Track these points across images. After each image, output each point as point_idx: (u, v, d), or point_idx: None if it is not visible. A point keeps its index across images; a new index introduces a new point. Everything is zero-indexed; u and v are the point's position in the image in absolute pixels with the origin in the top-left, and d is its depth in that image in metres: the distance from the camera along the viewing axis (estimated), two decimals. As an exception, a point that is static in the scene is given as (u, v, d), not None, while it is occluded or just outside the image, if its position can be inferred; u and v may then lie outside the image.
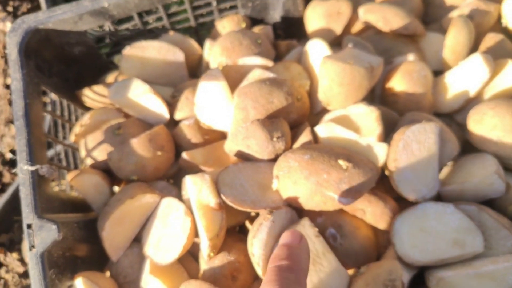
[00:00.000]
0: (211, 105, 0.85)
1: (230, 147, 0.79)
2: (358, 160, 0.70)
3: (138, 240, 0.82)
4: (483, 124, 0.75)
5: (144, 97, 0.91)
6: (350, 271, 0.70)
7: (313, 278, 0.65)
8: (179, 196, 0.83)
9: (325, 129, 0.78)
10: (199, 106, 0.86)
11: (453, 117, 0.86)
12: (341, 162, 0.69)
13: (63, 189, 0.97)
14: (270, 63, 0.89)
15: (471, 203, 0.71)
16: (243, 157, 0.79)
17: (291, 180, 0.70)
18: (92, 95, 1.02)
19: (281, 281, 0.50)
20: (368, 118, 0.77)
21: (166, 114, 0.91)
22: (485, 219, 0.69)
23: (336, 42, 0.98)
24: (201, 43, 1.07)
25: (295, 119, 0.82)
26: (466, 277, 0.64)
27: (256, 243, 0.66)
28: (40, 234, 0.73)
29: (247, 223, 0.84)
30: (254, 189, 0.74)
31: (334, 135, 0.77)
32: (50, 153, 1.04)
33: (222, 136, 0.90)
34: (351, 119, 0.79)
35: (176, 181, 0.94)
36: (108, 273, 0.83)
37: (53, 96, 0.98)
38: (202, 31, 1.12)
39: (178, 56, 0.98)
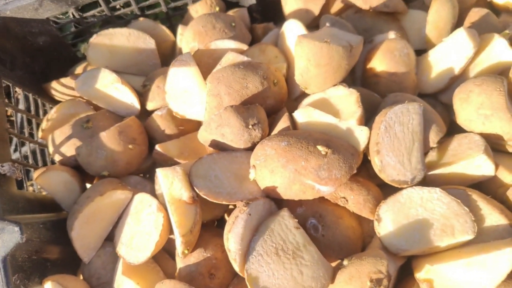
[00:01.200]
0: (183, 93, 0.80)
1: (204, 136, 0.74)
2: (338, 145, 0.66)
3: (111, 239, 0.78)
4: (469, 103, 0.71)
5: (113, 88, 0.86)
6: (334, 264, 0.66)
7: (293, 272, 0.61)
8: (153, 192, 0.79)
9: (304, 114, 0.73)
10: (171, 95, 0.81)
11: (438, 98, 0.82)
12: (320, 148, 0.64)
13: (34, 188, 0.92)
14: (244, 47, 0.84)
15: (459, 187, 0.67)
16: (218, 147, 0.75)
17: (268, 169, 0.66)
18: (60, 88, 0.96)
19: None
20: (348, 101, 0.72)
21: (136, 104, 0.86)
22: (474, 203, 0.65)
23: (314, 24, 0.93)
24: (174, 30, 1.02)
25: (272, 105, 0.78)
26: (456, 266, 0.60)
27: (232, 237, 0.62)
28: (2, 237, 0.67)
29: (226, 217, 0.80)
30: (230, 180, 0.70)
31: (313, 120, 0.72)
32: (23, 150, 0.99)
33: (198, 126, 0.85)
34: (330, 103, 0.75)
35: (150, 176, 0.89)
36: (81, 276, 0.79)
37: (18, 90, 0.93)
38: (175, 17, 1.07)
39: (149, 43, 0.93)
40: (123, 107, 0.88)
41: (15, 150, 1.16)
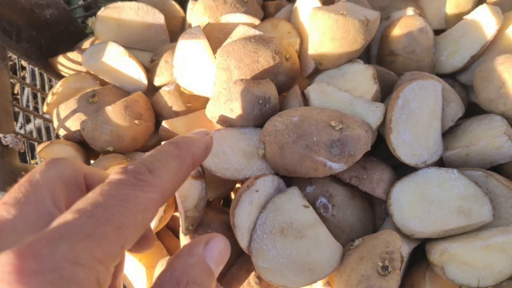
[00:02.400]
0: (191, 67, 0.77)
1: (212, 111, 0.71)
2: (352, 121, 0.63)
3: (114, 215, 0.75)
4: (490, 82, 0.67)
5: (120, 62, 0.83)
6: (344, 245, 0.63)
7: (301, 251, 0.58)
8: (158, 168, 0.76)
9: (317, 90, 0.70)
10: (178, 69, 0.78)
11: (457, 78, 0.79)
12: (333, 123, 0.61)
13: (38, 163, 0.91)
14: (256, 21, 0.81)
15: (477, 169, 0.64)
16: (226, 123, 0.72)
17: (278, 145, 0.63)
18: (67, 63, 0.95)
19: (162, 152, 0.41)
20: (363, 77, 0.69)
21: (144, 79, 0.84)
22: (493, 185, 0.62)
23: (331, 2, 0.90)
24: (184, 6, 0.99)
25: (283, 81, 0.75)
26: (473, 249, 0.57)
27: (239, 213, 0.60)
28: (2, 209, 0.66)
29: (233, 196, 0.77)
30: (238, 157, 0.67)
31: (326, 96, 0.69)
32: (29, 128, 0.98)
33: (207, 103, 0.83)
34: (344, 79, 0.72)
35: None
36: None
37: (24, 63, 0.91)
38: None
39: (158, 18, 0.90)
40: (130, 82, 0.85)
41: (21, 128, 1.14)
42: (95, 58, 0.84)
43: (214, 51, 0.78)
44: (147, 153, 0.43)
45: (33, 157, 0.94)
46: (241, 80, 0.67)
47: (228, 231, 0.67)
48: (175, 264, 0.40)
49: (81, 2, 0.98)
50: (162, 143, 0.46)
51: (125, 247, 0.35)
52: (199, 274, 0.40)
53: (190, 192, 0.64)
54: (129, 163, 0.39)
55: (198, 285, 0.39)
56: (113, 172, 0.38)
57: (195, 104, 0.84)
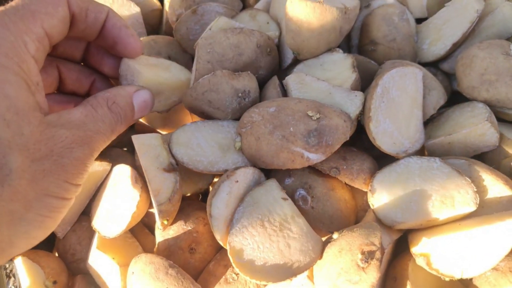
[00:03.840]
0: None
1: (189, 102, 0.68)
2: (330, 111, 0.61)
3: (88, 213, 0.73)
4: (472, 68, 0.66)
5: None
6: (324, 238, 0.61)
7: (280, 245, 0.56)
8: (134, 164, 0.74)
9: (295, 80, 0.68)
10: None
11: (439, 66, 0.77)
12: (310, 113, 0.59)
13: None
14: (233, 12, 0.79)
15: (460, 157, 0.62)
16: (203, 115, 0.69)
17: (254, 136, 0.61)
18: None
19: None
20: (343, 66, 0.67)
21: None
22: (476, 173, 0.60)
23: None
24: (162, 0, 0.96)
25: (264, 75, 0.73)
26: (456, 239, 0.55)
27: (216, 202, 0.57)
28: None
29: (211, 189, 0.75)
30: (214, 149, 0.65)
31: (305, 85, 0.67)
32: None
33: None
34: (324, 68, 0.70)
35: (132, 149, 0.84)
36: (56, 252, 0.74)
37: None
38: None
39: (133, 10, 0.87)
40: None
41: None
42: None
43: (192, 42, 0.76)
44: None
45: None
46: (221, 71, 0.65)
47: (205, 226, 0.65)
48: (110, 90, 0.55)
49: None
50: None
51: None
52: (124, 102, 0.55)
53: (163, 185, 0.62)
54: None
55: (120, 109, 0.54)
56: None
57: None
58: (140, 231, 0.71)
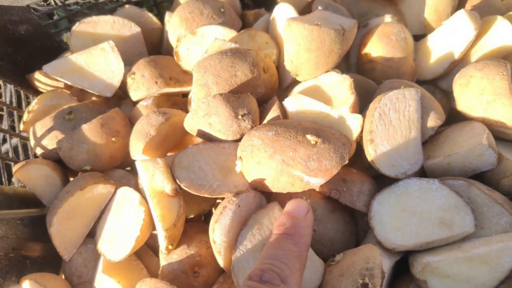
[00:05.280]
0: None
1: (190, 124, 0.69)
2: (329, 134, 0.61)
3: (93, 235, 0.74)
4: (470, 88, 0.66)
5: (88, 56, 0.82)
6: (325, 260, 0.62)
7: (281, 270, 0.57)
8: (138, 186, 0.75)
9: (294, 102, 0.69)
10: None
11: (437, 84, 0.78)
12: (309, 137, 0.60)
13: (15, 183, 0.89)
14: (233, 33, 0.80)
15: (459, 178, 0.63)
16: (205, 137, 0.70)
17: (255, 160, 0.61)
18: (44, 79, 0.93)
19: (285, 251, 0.49)
20: (341, 87, 0.68)
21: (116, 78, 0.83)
22: (475, 194, 0.61)
23: (308, 10, 0.89)
24: (162, 18, 0.97)
25: (263, 93, 0.74)
26: (455, 261, 0.55)
27: (218, 228, 0.58)
28: (-26, 234, 0.64)
29: (214, 211, 0.75)
30: (215, 172, 0.66)
31: (304, 108, 0.68)
32: (5, 148, 0.96)
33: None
34: (322, 90, 0.70)
35: (136, 170, 0.85)
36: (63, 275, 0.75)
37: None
38: (163, 3, 1.03)
39: (134, 31, 0.89)
40: (99, 82, 0.84)
41: None
42: (58, 62, 0.82)
43: (192, 63, 0.76)
44: (267, 248, 0.50)
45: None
46: (220, 94, 0.66)
47: (208, 250, 0.66)
48: None
49: (56, 17, 0.96)
50: (274, 226, 0.53)
51: None
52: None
53: (168, 210, 0.63)
54: (257, 264, 0.48)
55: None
56: (246, 277, 0.46)
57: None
58: (145, 253, 0.72)
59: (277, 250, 0.49)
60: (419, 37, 0.81)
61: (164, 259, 0.65)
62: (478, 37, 0.72)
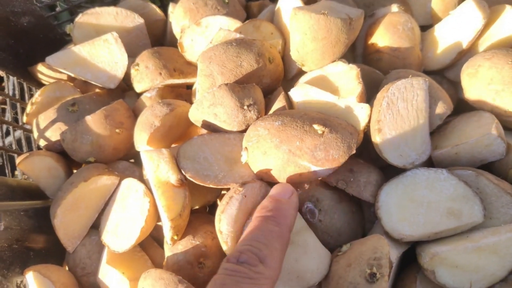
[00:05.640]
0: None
1: (195, 115, 0.69)
2: (336, 124, 0.61)
3: (97, 227, 0.73)
4: (478, 78, 0.66)
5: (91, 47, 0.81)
6: (332, 251, 0.61)
7: (289, 258, 0.56)
8: (142, 177, 0.74)
9: (300, 92, 0.68)
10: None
11: (445, 74, 0.77)
12: (316, 126, 0.59)
13: (18, 175, 0.88)
14: (238, 23, 0.79)
15: (467, 168, 0.62)
16: (210, 127, 0.70)
17: (261, 150, 0.61)
18: (46, 71, 0.92)
19: (265, 232, 0.49)
20: (348, 77, 0.67)
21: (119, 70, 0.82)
22: (484, 184, 0.60)
23: (313, 1, 0.88)
24: (166, 9, 0.97)
25: (268, 83, 0.73)
26: (464, 251, 0.55)
27: (225, 218, 0.57)
28: (-22, 225, 0.64)
29: (219, 202, 0.75)
30: (220, 163, 0.65)
31: (310, 98, 0.67)
32: (8, 140, 0.95)
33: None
34: (329, 80, 0.69)
35: (140, 161, 0.85)
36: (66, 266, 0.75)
37: (1, 73, 0.88)
38: (167, -4, 1.02)
39: (137, 22, 0.88)
40: (103, 74, 0.83)
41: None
42: (61, 54, 0.82)
43: (197, 54, 0.76)
44: (247, 230, 0.51)
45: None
46: (226, 84, 0.65)
47: (213, 240, 0.65)
48: None
49: (58, 9, 0.95)
50: (256, 210, 0.54)
51: None
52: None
53: (173, 201, 0.62)
54: (236, 246, 0.48)
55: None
56: (224, 260, 0.46)
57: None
58: (149, 245, 0.71)
59: (256, 231, 0.49)
60: (426, 28, 0.80)
61: (169, 249, 0.65)
62: (486, 26, 0.71)
